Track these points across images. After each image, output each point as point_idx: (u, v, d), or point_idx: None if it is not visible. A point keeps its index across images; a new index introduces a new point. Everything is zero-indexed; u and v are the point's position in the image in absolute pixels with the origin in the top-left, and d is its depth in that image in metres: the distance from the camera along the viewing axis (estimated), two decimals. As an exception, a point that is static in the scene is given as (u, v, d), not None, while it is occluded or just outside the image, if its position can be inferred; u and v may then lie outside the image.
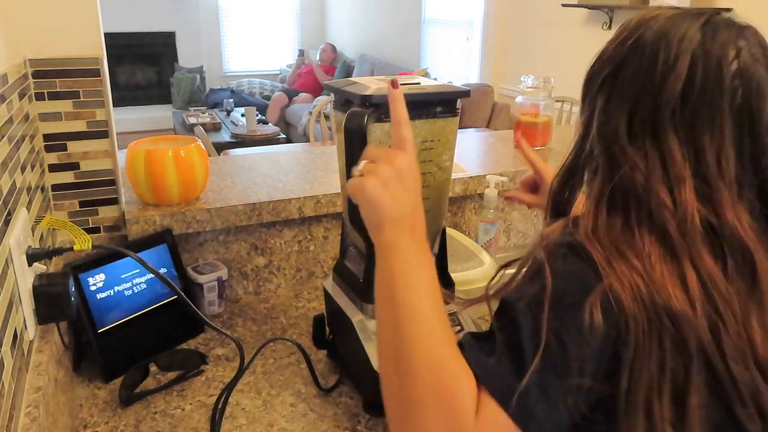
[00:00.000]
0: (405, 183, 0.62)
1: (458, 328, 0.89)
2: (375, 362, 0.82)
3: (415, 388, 0.53)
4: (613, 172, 0.58)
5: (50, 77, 0.98)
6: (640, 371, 0.51)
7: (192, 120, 5.27)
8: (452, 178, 0.90)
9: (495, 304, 0.59)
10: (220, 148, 4.31)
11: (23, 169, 0.84)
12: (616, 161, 0.58)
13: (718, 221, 0.54)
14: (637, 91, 0.58)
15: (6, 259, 0.69)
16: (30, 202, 0.86)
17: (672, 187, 0.55)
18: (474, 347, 0.55)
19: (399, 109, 0.65)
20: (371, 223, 0.63)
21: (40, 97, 0.98)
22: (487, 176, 1.31)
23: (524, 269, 0.58)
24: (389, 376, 0.57)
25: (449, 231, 1.28)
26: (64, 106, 1.00)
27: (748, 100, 0.56)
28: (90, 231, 1.07)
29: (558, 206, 0.68)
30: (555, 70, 4.42)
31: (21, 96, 0.89)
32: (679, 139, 0.56)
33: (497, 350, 0.53)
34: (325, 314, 0.99)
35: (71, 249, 0.83)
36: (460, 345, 0.55)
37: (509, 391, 0.51)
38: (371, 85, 0.80)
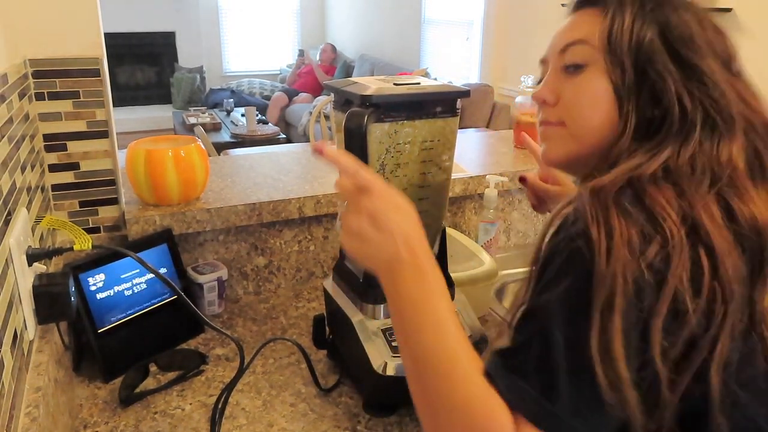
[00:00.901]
0: (379, 224, 0.59)
1: (458, 328, 0.89)
2: (375, 362, 0.82)
3: (450, 429, 0.54)
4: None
5: (50, 77, 0.98)
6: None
7: (192, 120, 5.27)
8: (452, 178, 0.90)
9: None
10: (220, 148, 4.31)
11: (23, 169, 0.84)
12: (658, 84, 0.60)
13: None
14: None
15: (6, 259, 0.69)
16: (30, 202, 0.86)
17: None
18: (502, 372, 0.54)
19: (341, 162, 0.62)
20: (371, 271, 0.63)
21: (40, 97, 0.98)
22: (487, 176, 1.31)
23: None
24: (424, 417, 0.57)
25: (449, 231, 1.28)
26: (64, 106, 1.00)
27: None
28: (90, 231, 1.07)
29: None
30: (555, 70, 4.41)
31: (21, 96, 0.89)
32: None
33: (526, 368, 0.53)
34: (325, 314, 1.00)
35: (71, 249, 0.83)
36: (488, 374, 0.55)
37: (542, 413, 0.52)
38: (371, 85, 0.80)
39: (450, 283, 0.92)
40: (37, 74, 0.97)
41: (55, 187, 1.04)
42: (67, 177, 1.04)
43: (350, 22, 7.06)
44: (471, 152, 1.56)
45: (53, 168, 1.03)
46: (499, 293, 1.29)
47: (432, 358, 0.57)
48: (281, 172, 1.34)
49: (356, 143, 0.76)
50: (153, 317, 1.03)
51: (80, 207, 1.06)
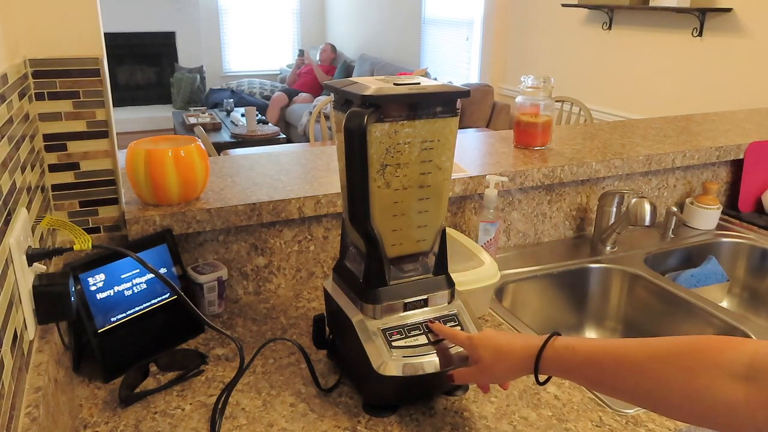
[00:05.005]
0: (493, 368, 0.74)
1: (458, 328, 0.89)
2: (375, 362, 0.82)
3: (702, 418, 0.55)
4: None
5: (50, 77, 0.98)
6: None
7: (192, 120, 5.28)
8: (452, 178, 0.90)
9: None
10: (220, 148, 4.32)
11: (23, 169, 0.84)
12: None
13: None
14: None
15: (6, 259, 0.69)
16: (30, 202, 0.86)
17: None
18: None
19: (444, 332, 0.84)
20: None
21: (40, 97, 0.99)
22: (487, 176, 1.31)
23: None
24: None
25: (449, 231, 1.29)
26: (64, 106, 1.00)
27: None
28: (90, 231, 1.07)
29: None
30: (555, 70, 4.44)
31: (21, 96, 0.89)
32: None
33: None
34: (325, 314, 1.00)
35: (71, 249, 0.83)
36: None
37: None
38: (371, 85, 0.80)
39: (450, 283, 0.92)
40: (37, 74, 0.97)
41: (55, 187, 1.04)
42: (67, 177, 1.04)
43: (350, 22, 7.06)
44: (471, 152, 1.56)
45: (53, 168, 1.03)
46: (499, 293, 1.29)
47: (640, 389, 0.59)
48: (281, 172, 1.34)
49: (356, 143, 0.76)
50: (153, 317, 1.03)
51: (80, 207, 1.06)
